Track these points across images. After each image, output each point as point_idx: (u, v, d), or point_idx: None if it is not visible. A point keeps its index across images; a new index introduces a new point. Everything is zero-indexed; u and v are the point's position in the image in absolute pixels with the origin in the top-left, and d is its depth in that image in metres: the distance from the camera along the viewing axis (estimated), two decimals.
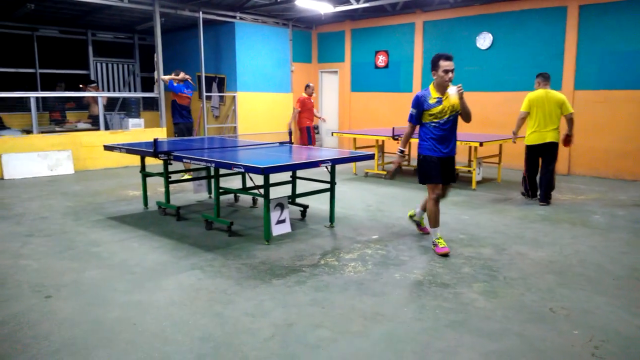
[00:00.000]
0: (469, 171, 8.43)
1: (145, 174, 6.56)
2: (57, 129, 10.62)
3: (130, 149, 6.21)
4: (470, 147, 8.54)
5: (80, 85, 12.73)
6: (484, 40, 10.46)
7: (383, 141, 9.37)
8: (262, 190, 4.91)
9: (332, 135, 10.14)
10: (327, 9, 10.87)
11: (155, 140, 5.64)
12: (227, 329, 3.16)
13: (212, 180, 5.91)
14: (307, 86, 10.09)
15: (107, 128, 10.49)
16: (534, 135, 6.76)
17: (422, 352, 2.89)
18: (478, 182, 8.16)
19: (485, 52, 10.50)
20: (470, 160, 8.97)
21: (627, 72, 8.77)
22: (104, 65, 13.55)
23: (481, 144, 7.63)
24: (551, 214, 6.30)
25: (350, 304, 3.54)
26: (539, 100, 6.67)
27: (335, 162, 5.16)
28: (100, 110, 10.21)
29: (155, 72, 10.44)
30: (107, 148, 6.52)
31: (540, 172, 6.95)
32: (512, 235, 5.37)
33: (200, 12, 10.97)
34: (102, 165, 9.95)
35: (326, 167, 5.21)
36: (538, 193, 7.02)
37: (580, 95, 9.34)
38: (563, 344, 2.98)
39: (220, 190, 5.47)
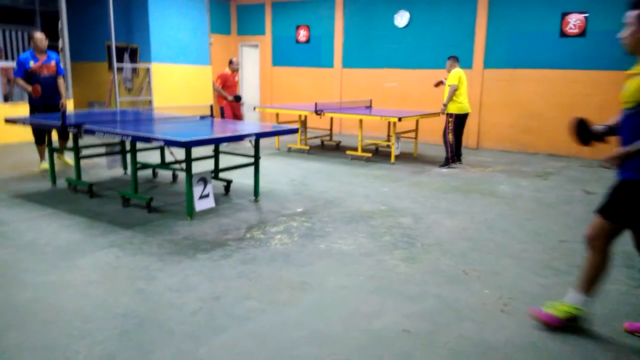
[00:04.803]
0: (388, 146, 8.71)
1: (52, 149, 6.11)
2: None
3: (35, 122, 5.74)
4: (389, 122, 8.79)
5: None
6: (402, 18, 10.72)
7: (306, 116, 9.40)
8: (184, 165, 4.76)
9: (255, 110, 9.99)
10: None
11: (64, 112, 5.25)
12: (151, 305, 3.07)
13: (129, 155, 5.63)
14: (231, 62, 9.53)
15: (6, 100, 9.59)
16: (463, 106, 7.82)
17: (348, 317, 2.99)
18: (396, 156, 8.45)
19: (403, 30, 10.78)
20: (389, 136, 9.26)
21: (532, 52, 9.41)
22: (0, 32, 12.29)
23: (400, 119, 7.89)
24: (463, 185, 6.69)
25: (277, 275, 3.57)
26: (463, 77, 7.77)
27: (259, 135, 5.10)
28: None
29: (60, 41, 9.65)
30: (9, 121, 5.98)
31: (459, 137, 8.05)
32: (429, 205, 5.64)
33: None
34: (2, 141, 9.12)
35: (250, 140, 5.15)
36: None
37: (489, 73, 9.90)
38: (476, 303, 3.21)
39: (138, 166, 5.23)
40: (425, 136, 10.10)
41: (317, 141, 10.27)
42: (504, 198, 6.07)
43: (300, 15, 12.31)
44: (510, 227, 4.91)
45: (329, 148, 9.82)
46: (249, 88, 13.48)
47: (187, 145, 4.29)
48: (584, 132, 2.92)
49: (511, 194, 6.27)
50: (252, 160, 5.59)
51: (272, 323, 2.89)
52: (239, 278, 3.50)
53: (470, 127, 10.00)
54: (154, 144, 4.57)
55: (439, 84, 8.32)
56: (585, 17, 8.80)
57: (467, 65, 9.72)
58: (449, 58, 7.89)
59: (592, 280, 2.79)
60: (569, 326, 2.85)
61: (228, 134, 4.91)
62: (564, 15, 8.98)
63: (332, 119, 10.11)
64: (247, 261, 3.82)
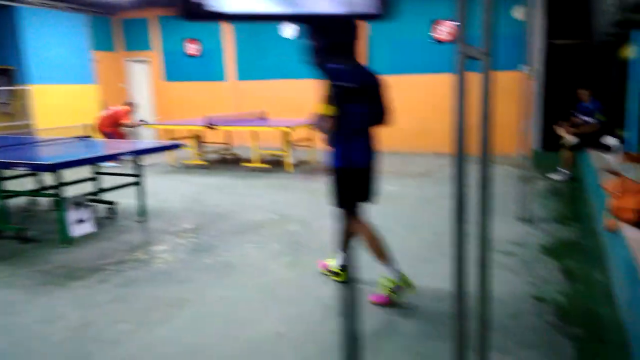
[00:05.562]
0: (284, 155, 8.83)
1: None
2: None
3: None
4: (283, 132, 8.92)
5: None
6: (288, 29, 10.95)
7: (201, 131, 9.27)
8: (59, 190, 4.51)
9: (144, 126, 9.70)
10: None
11: None
12: (15, 339, 2.89)
13: None
14: (130, 104, 9.73)
15: None
16: None
17: (224, 328, 3.01)
18: (295, 166, 8.59)
19: (292, 41, 11.01)
20: (284, 145, 9.38)
21: (411, 58, 10.04)
22: None
23: (292, 128, 8.04)
24: None
25: (155, 295, 3.50)
26: None
27: (137, 153, 4.97)
28: None
29: None
30: None
31: None
32: (320, 211, 5.79)
33: None
34: None
35: (128, 159, 5.00)
36: None
37: None
38: None
39: (6, 194, 4.88)
40: (321, 144, 10.35)
41: (217, 156, 10.17)
42: (391, 198, 6.39)
43: (189, 28, 12.14)
44: (392, 224, 5.18)
45: (229, 162, 9.76)
46: (141, 106, 13.02)
47: (54, 169, 4.09)
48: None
49: (397, 194, 6.62)
50: (135, 179, 5.43)
51: (143, 344, 2.83)
52: (114, 302, 3.39)
53: None
54: (19, 169, 4.29)
55: None
56: (457, 25, 9.56)
57: None
58: None
59: (380, 252, 3.30)
60: (396, 299, 3.28)
61: (102, 154, 4.74)
62: (434, 22, 9.72)
63: (229, 132, 10.06)
64: (124, 284, 3.70)
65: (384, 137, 10.91)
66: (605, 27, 6.58)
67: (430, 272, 3.79)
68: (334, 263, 3.71)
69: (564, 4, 8.74)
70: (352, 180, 3.20)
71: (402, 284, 3.28)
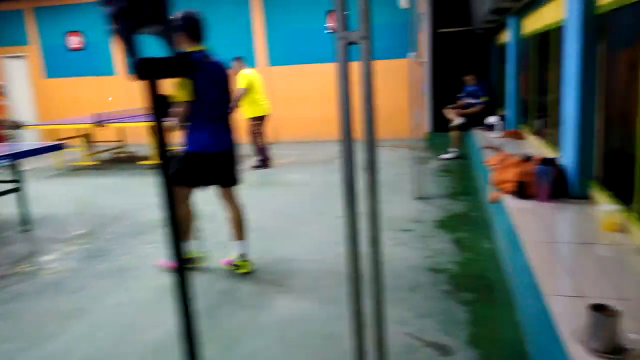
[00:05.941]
0: None
1: None
2: None
3: None
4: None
5: None
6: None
7: (89, 129, 8.67)
8: None
9: (21, 128, 8.87)
10: None
11: None
12: None
13: None
14: None
15: None
16: (262, 108, 7.51)
17: (121, 334, 2.86)
18: None
19: None
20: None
21: (311, 48, 10.12)
22: None
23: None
24: (257, 180, 6.91)
25: (45, 308, 3.24)
26: (255, 77, 7.43)
27: (14, 157, 4.53)
28: None
29: None
30: None
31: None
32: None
33: None
34: None
35: (5, 164, 4.55)
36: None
37: (276, 70, 10.36)
38: (254, 289, 3.35)
39: None
40: None
41: (110, 155, 9.57)
42: (294, 185, 6.44)
43: (70, 20, 11.25)
44: (296, 211, 5.23)
45: (124, 160, 9.23)
46: (20, 105, 11.90)
47: None
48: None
49: (301, 181, 6.68)
50: (15, 185, 4.95)
51: None
52: None
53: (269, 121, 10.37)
54: None
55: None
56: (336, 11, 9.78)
57: (250, 64, 10.02)
58: (234, 59, 7.56)
59: (185, 229, 3.62)
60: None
61: None
62: (329, 12, 9.88)
63: (122, 129, 9.52)
64: (9, 300, 3.38)
65: (288, 126, 10.98)
66: (484, 14, 7.09)
67: (335, 254, 3.87)
68: (235, 256, 3.70)
69: None
70: (200, 164, 3.42)
71: (202, 255, 3.84)
